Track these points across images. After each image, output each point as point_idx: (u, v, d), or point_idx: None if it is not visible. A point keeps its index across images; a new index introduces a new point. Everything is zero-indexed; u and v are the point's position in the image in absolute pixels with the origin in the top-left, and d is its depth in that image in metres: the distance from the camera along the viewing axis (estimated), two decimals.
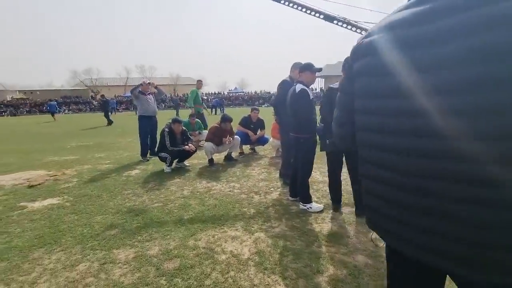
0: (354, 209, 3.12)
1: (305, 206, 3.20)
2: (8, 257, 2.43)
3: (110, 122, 15.70)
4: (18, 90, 50.18)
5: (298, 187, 3.26)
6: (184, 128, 5.27)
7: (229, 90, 51.73)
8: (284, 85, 3.72)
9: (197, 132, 7.32)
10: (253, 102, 38.64)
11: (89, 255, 2.42)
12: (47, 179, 4.77)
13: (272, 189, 4.00)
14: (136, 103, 6.10)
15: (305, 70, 3.08)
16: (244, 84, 67.48)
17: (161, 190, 4.07)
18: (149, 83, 6.07)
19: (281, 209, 3.29)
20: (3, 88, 47.52)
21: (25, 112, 37.53)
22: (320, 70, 3.07)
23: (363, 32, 5.81)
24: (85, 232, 2.85)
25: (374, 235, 1.01)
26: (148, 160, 6.01)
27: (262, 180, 4.43)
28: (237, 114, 9.17)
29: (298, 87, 3.01)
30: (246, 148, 6.72)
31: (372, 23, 5.61)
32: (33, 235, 2.81)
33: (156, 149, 5.24)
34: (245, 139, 6.24)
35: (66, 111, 37.61)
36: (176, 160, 5.16)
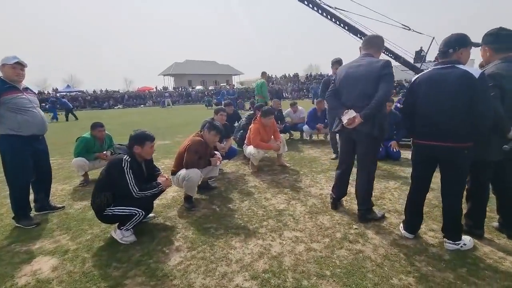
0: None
1: (457, 244, 2.22)
2: None
3: None
4: None
5: (449, 219, 2.22)
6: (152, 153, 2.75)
7: (53, 89, 39.03)
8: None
9: (107, 152, 4.46)
10: (101, 104, 31.36)
11: None
12: None
13: (362, 227, 2.67)
14: None
15: (468, 44, 2.05)
16: (76, 81, 53.55)
17: None
18: (19, 62, 2.88)
19: (429, 259, 2.13)
20: None
21: None
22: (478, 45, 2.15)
23: (335, 21, 5.27)
24: None
25: None
26: (37, 224, 2.92)
27: (317, 213, 2.97)
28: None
29: (474, 71, 1.94)
30: None
31: (346, 11, 5.14)
32: None
33: (96, 201, 2.48)
34: None
35: None
36: None
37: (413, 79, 2.28)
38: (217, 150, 4.03)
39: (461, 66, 2.00)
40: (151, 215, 2.96)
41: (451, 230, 2.23)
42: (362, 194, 2.74)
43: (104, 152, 4.44)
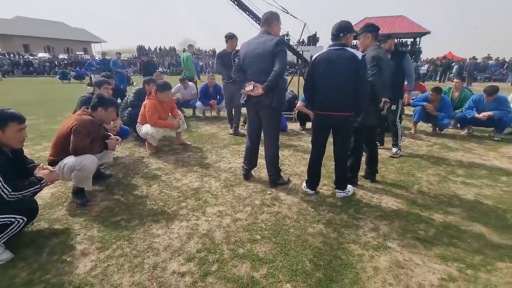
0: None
1: (345, 192, 2.85)
2: None
3: None
4: None
5: (340, 174, 2.78)
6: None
7: None
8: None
9: None
10: None
11: None
12: None
13: (274, 191, 2.95)
14: None
15: (352, 30, 2.50)
16: None
17: None
18: None
19: (329, 208, 2.66)
20: None
21: None
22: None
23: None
24: None
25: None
26: None
27: (232, 186, 3.04)
28: None
29: (358, 53, 2.40)
30: None
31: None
32: None
33: None
34: None
35: None
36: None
37: (313, 57, 2.63)
38: (105, 131, 3.39)
39: (348, 49, 2.46)
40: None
41: (341, 182, 2.83)
42: (270, 160, 3.04)
43: None
